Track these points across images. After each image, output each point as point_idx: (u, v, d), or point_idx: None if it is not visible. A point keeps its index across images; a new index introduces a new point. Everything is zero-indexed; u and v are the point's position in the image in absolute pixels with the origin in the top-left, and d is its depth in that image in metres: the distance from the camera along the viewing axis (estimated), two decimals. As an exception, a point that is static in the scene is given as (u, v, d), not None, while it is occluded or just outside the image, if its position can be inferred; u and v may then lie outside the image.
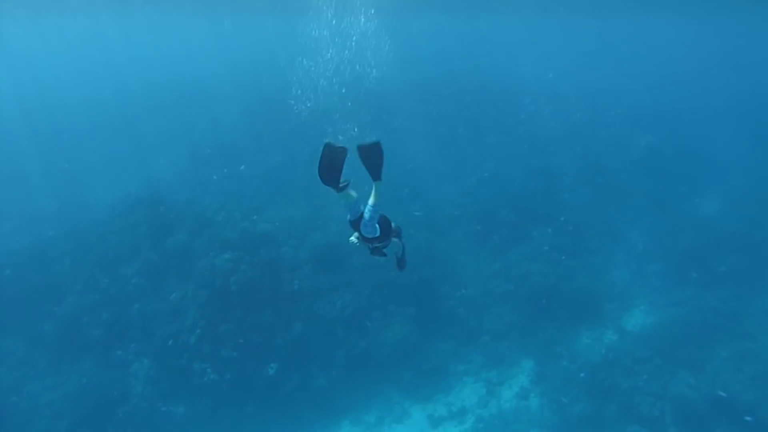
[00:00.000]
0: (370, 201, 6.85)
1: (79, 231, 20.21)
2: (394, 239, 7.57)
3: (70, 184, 25.32)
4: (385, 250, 7.45)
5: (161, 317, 17.61)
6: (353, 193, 6.90)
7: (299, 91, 30.13)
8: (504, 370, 18.21)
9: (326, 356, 17.56)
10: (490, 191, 25.32)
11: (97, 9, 37.72)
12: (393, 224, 7.45)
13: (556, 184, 25.19)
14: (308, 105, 29.81)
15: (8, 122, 32.27)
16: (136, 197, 20.62)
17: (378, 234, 7.14)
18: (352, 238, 7.55)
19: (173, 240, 18.74)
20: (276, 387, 16.49)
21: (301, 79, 32.91)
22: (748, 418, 14.54)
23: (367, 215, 6.89)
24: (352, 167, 6.76)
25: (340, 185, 6.66)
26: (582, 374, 16.91)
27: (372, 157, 6.64)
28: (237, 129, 28.50)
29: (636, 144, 27.84)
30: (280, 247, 18.83)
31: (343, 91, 30.81)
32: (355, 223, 7.13)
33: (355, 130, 28.20)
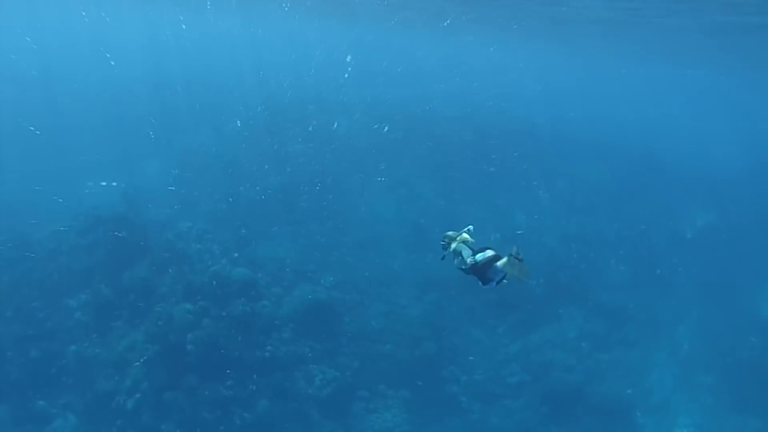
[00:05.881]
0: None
1: (28, 242, 16.99)
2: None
3: (35, 180, 21.98)
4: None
5: (100, 367, 14.33)
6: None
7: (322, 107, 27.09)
8: (509, 487, 14.74)
9: (294, 445, 14.18)
10: (517, 254, 21.83)
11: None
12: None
13: (594, 254, 21.72)
14: (334, 126, 26.85)
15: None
16: (97, 214, 17.33)
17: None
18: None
19: (131, 274, 15.49)
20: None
21: (320, 95, 29.94)
22: None
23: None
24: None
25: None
26: None
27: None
28: (239, 142, 25.36)
29: (691, 221, 24.26)
30: (258, 300, 15.51)
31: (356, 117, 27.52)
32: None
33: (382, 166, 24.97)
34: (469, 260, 6.04)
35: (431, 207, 24.28)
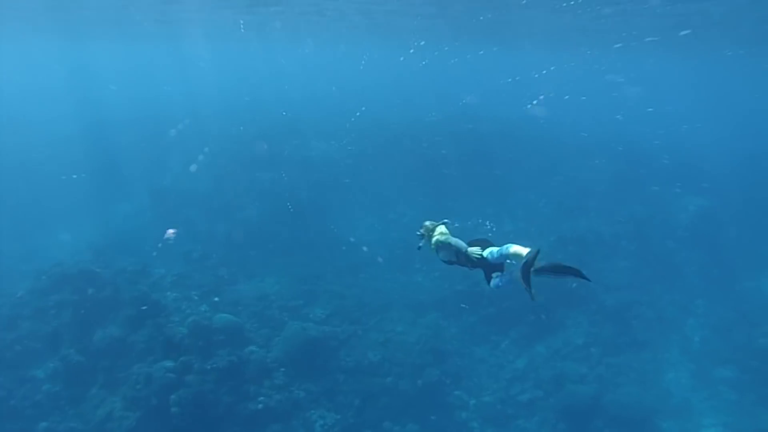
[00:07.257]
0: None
1: (-16, 309, 15.52)
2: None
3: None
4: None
5: (76, 443, 12.98)
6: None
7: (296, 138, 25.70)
8: None
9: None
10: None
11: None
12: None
13: (591, 255, 20.87)
14: (308, 150, 25.69)
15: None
16: (61, 271, 15.91)
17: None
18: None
19: (103, 333, 14.14)
20: None
21: (291, 118, 28.82)
22: None
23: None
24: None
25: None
26: None
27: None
28: (210, 175, 24.09)
29: (684, 207, 23.59)
30: (244, 346, 14.31)
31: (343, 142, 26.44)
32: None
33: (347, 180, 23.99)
34: (477, 254, 5.83)
35: (416, 223, 23.31)
